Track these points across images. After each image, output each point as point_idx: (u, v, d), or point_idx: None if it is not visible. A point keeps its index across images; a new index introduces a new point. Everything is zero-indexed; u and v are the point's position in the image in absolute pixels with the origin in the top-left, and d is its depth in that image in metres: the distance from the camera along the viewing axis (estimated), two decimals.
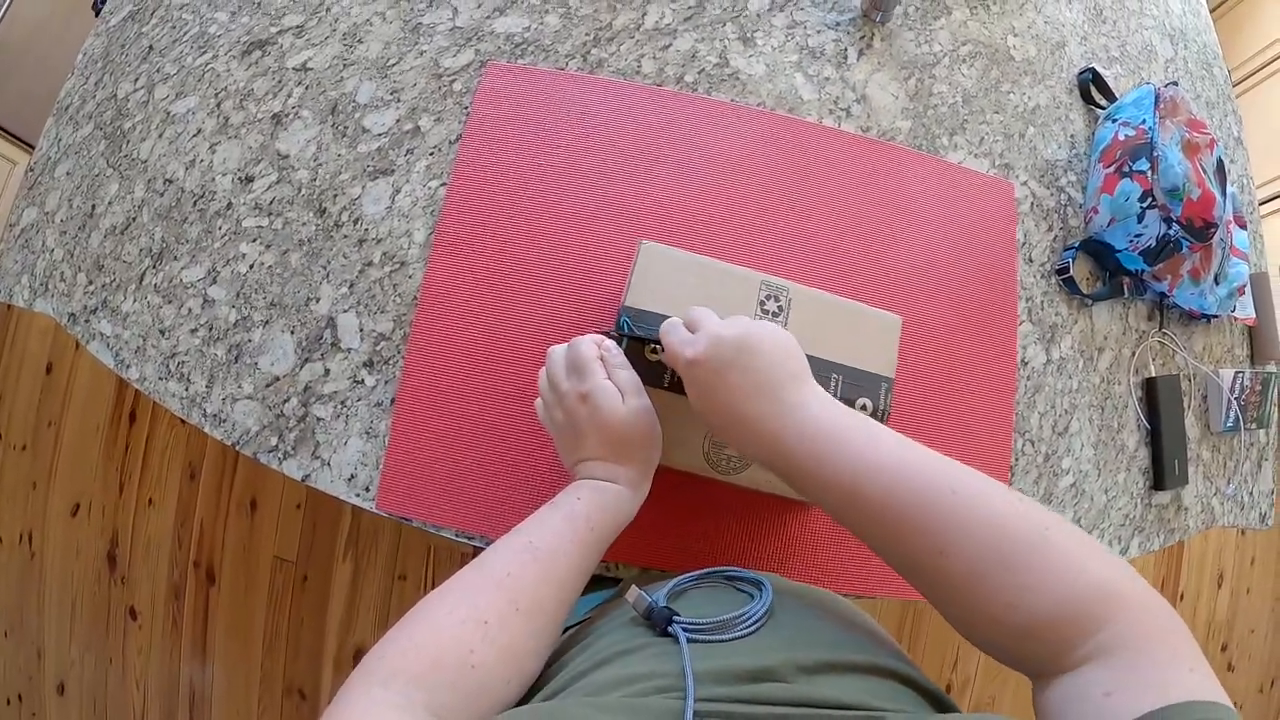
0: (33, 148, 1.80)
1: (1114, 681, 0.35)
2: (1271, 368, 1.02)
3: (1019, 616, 0.38)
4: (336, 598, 1.61)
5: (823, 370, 0.60)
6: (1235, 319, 1.01)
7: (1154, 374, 0.93)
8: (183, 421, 1.69)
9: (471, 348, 0.73)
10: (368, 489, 0.72)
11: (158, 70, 0.92)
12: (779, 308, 0.62)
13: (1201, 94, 1.12)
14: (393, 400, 0.73)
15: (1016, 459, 0.85)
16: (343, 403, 0.74)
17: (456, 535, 0.71)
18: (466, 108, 0.82)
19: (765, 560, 0.73)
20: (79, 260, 0.85)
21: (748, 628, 0.43)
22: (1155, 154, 0.87)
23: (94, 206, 0.87)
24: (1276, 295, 1.02)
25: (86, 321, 0.82)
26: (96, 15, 1.06)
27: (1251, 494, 0.99)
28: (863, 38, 0.95)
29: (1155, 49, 1.11)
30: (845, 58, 0.93)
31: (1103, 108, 1.01)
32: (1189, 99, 0.96)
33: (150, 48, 0.95)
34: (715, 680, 0.37)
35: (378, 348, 0.75)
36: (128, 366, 0.80)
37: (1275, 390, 1.00)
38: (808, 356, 0.52)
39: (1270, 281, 1.03)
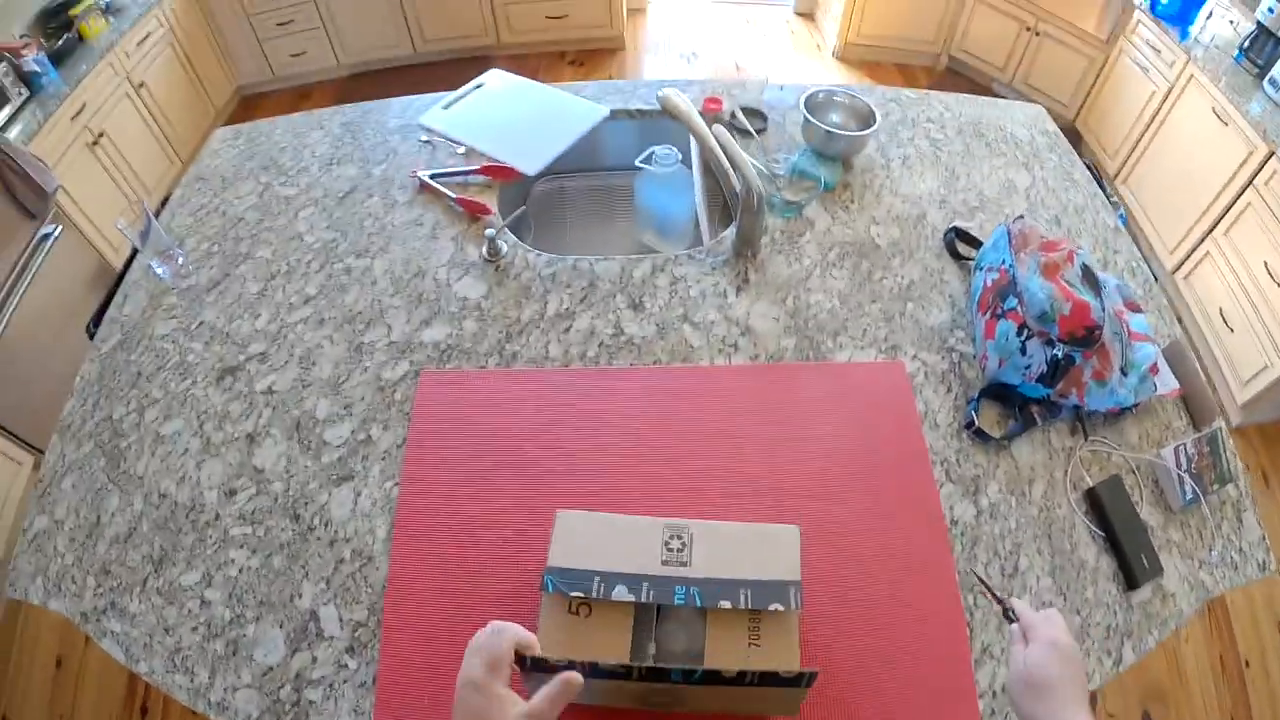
0: (33, 448, 1.96)
1: None
2: (1215, 423, 1.02)
3: None
4: None
5: (730, 589, 0.71)
6: (1162, 397, 1.01)
7: (1091, 484, 0.94)
8: (193, 713, 1.75)
9: (436, 624, 0.86)
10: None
11: (146, 395, 1.10)
12: (682, 544, 0.74)
13: (1068, 203, 1.23)
14: (374, 679, 0.85)
15: (971, 614, 0.87)
16: (330, 685, 0.86)
17: None
18: (407, 413, 1.01)
19: None
20: (88, 565, 0.97)
21: None
22: (1019, 289, 0.93)
23: (99, 517, 1.00)
24: (1202, 345, 1.06)
25: (98, 620, 0.93)
26: (90, 338, 1.24)
27: (1241, 550, 0.97)
28: (738, 274, 1.13)
29: (1014, 182, 1.24)
30: (725, 298, 1.11)
31: (971, 259, 1.09)
32: (1036, 225, 1.03)
33: (138, 374, 1.12)
34: None
35: (356, 634, 0.88)
36: (138, 661, 0.90)
37: (1224, 443, 0.98)
38: (718, 580, 0.67)
39: (1184, 346, 1.05)
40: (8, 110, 1.96)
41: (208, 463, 1.02)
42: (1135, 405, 0.98)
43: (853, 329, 1.08)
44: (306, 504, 0.97)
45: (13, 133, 1.94)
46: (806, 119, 1.21)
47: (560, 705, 0.58)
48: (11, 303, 1.85)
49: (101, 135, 2.29)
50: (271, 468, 1.00)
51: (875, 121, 1.22)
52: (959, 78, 3.29)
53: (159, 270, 1.23)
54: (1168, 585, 0.92)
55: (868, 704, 0.79)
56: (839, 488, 0.92)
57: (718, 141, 1.03)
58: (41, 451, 2.01)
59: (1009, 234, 1.01)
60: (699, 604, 0.70)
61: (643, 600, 0.71)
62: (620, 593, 0.71)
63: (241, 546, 0.95)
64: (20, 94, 2.00)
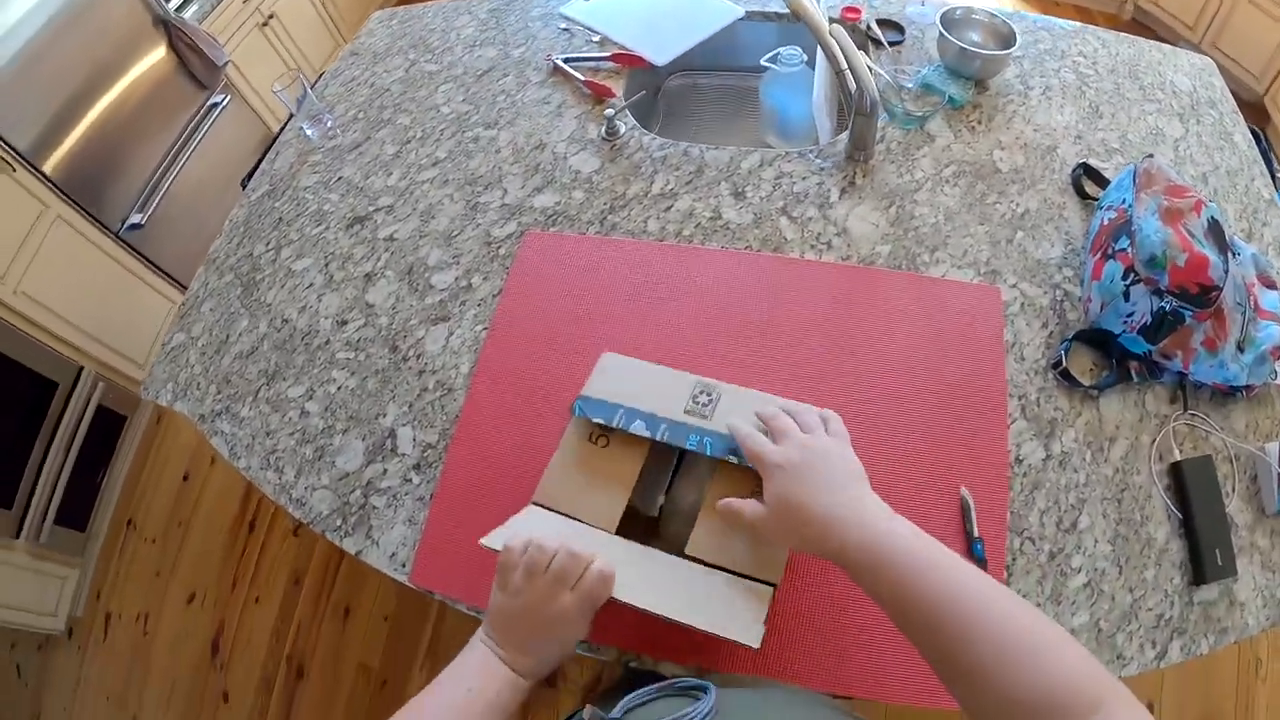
0: (183, 288, 2.20)
1: None
2: None
3: (1016, 696, 0.44)
4: None
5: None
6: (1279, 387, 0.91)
7: (1180, 458, 0.85)
8: (295, 534, 1.93)
9: (498, 458, 0.90)
10: (404, 566, 0.87)
11: (284, 236, 1.20)
12: (709, 400, 0.75)
13: (1221, 164, 1.11)
14: (432, 496, 0.90)
15: (1014, 558, 0.83)
16: (394, 496, 0.92)
17: (467, 609, 0.85)
18: (508, 268, 1.05)
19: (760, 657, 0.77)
20: (212, 375, 1.08)
21: None
22: (1133, 228, 0.86)
23: (227, 335, 1.11)
24: None
25: (212, 421, 1.04)
26: (243, 189, 1.37)
27: None
28: (845, 177, 1.10)
29: (1163, 131, 1.13)
30: (828, 198, 1.08)
31: (1096, 199, 1.02)
32: (1165, 167, 0.94)
33: (280, 219, 1.23)
34: None
35: (425, 454, 0.93)
36: (239, 458, 1.00)
37: None
38: (732, 427, 0.67)
39: None
40: None
41: (327, 296, 1.10)
42: (1248, 388, 0.86)
43: (953, 247, 1.02)
44: (405, 337, 1.02)
45: (189, 12, 2.14)
46: (941, 33, 1.14)
47: (608, 585, 0.61)
48: (180, 162, 2.07)
49: (271, 17, 2.48)
50: (381, 304, 1.06)
51: (1015, 42, 1.13)
52: (1143, 30, 2.94)
53: (309, 132, 1.33)
54: (1238, 592, 0.82)
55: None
56: (901, 393, 0.89)
57: (836, 42, 0.99)
58: None
59: (1135, 172, 0.92)
60: (709, 453, 0.70)
61: (657, 439, 0.72)
62: (638, 427, 0.73)
63: (344, 368, 1.03)
64: None
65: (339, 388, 1.01)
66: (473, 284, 1.05)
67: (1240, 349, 0.85)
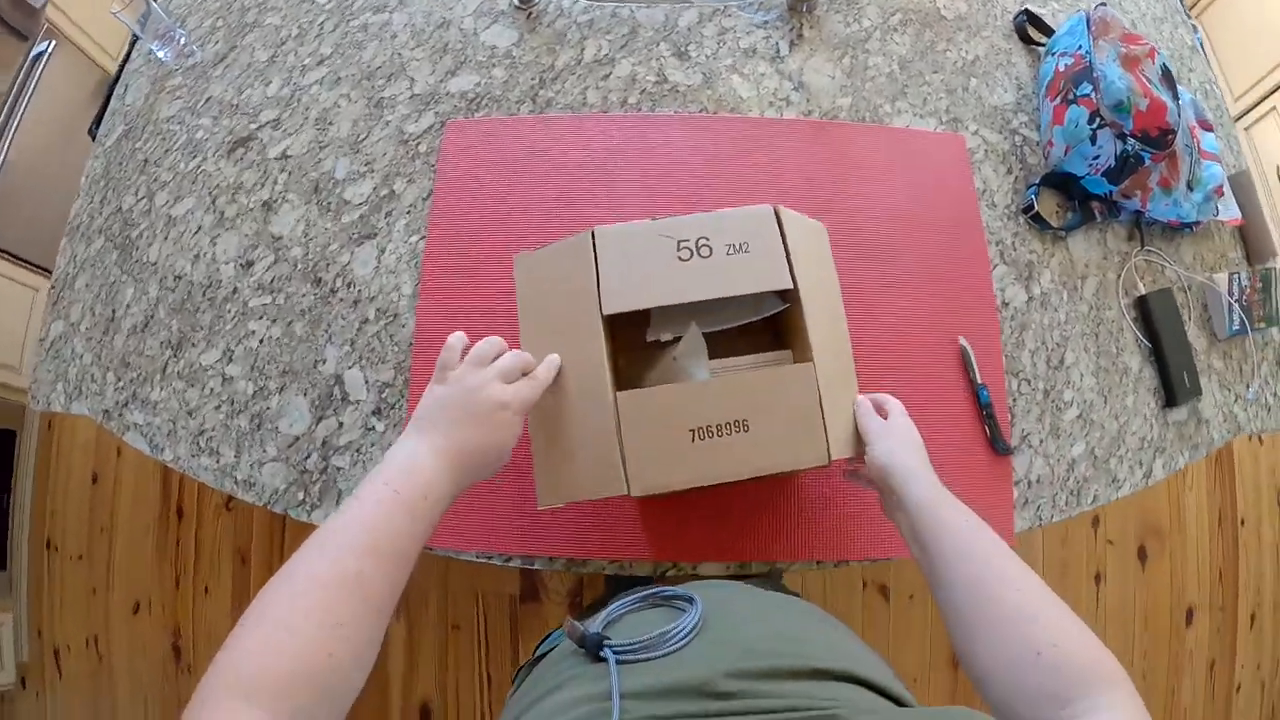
0: (47, 271, 1.92)
1: None
2: (1270, 263, 0.99)
3: (1058, 653, 0.46)
4: (395, 656, 1.65)
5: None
6: (1221, 223, 0.99)
7: (1144, 292, 0.92)
8: (227, 508, 1.76)
9: None
10: None
11: (155, 180, 1.01)
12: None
13: (1147, 12, 1.12)
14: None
15: (1015, 400, 0.85)
16: (358, 450, 0.80)
17: (477, 556, 0.75)
18: (433, 166, 0.89)
19: (767, 538, 0.77)
20: (106, 361, 0.92)
21: (678, 642, 0.44)
22: (1095, 75, 0.88)
23: (114, 311, 0.94)
24: (1262, 191, 1.00)
25: (120, 415, 0.89)
26: (93, 139, 1.15)
27: (1276, 395, 0.97)
28: (792, 29, 1.00)
29: None
30: (778, 52, 0.98)
31: (1042, 45, 1.02)
32: (1119, 15, 0.96)
33: (145, 161, 1.03)
34: (645, 697, 0.39)
35: (383, 395, 0.81)
36: (162, 450, 0.87)
37: (1277, 285, 0.97)
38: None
39: (1254, 178, 1.01)
40: None
41: (223, 237, 0.93)
42: (1195, 224, 0.94)
43: (912, 95, 0.98)
44: (328, 266, 0.87)
45: None
46: None
47: (542, 388, 0.60)
48: (11, 127, 1.77)
49: None
50: (289, 233, 0.90)
51: None
52: None
53: (160, 53, 1.11)
54: (1203, 410, 0.92)
55: None
56: (886, 249, 0.88)
57: None
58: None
59: (1088, 20, 0.93)
60: None
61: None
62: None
63: (261, 317, 0.88)
64: None
65: (261, 340, 0.87)
66: (395, 190, 0.90)
67: (1190, 188, 0.91)
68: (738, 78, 0.96)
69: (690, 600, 0.49)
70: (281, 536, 1.73)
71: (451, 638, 1.66)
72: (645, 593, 0.53)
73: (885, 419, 0.64)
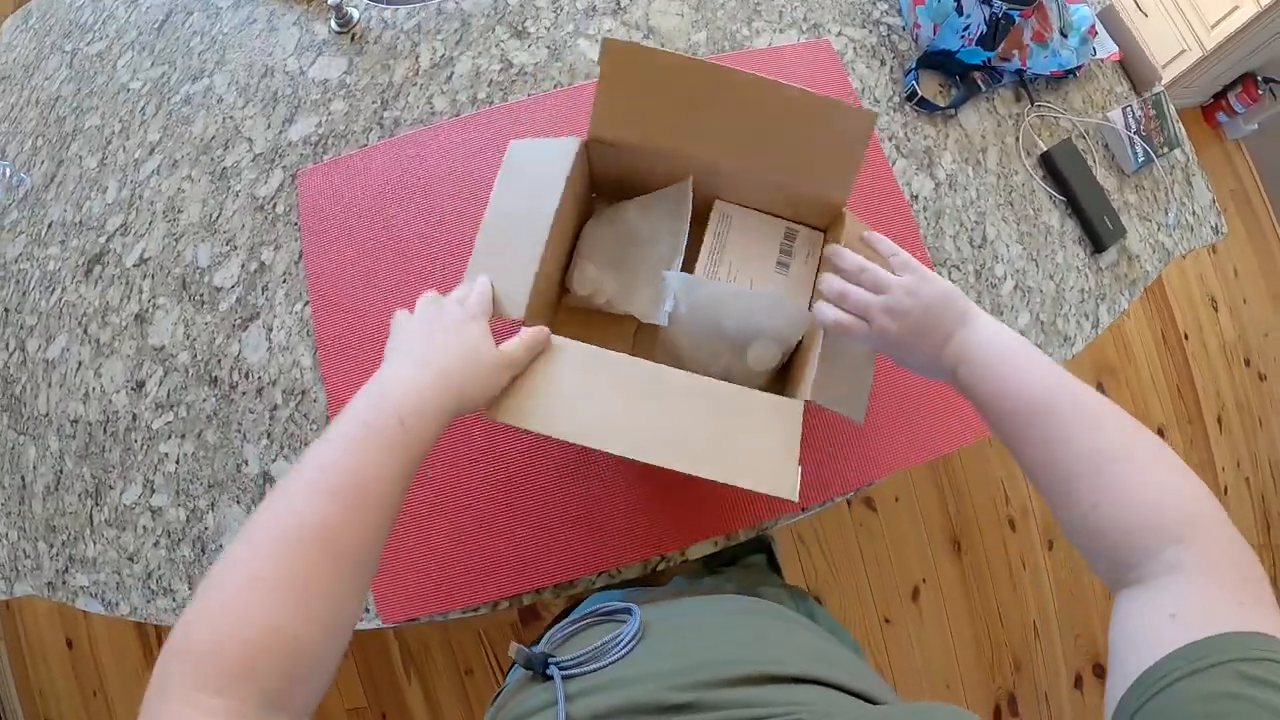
0: None
1: (1180, 604, 0.36)
2: (1156, 88, 1.00)
3: (1101, 516, 0.42)
4: (419, 717, 1.62)
5: None
6: (1101, 61, 0.99)
7: (1045, 148, 0.92)
8: None
9: None
10: (368, 610, 0.72)
11: (21, 327, 0.93)
12: None
13: None
14: None
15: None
16: None
17: (464, 612, 0.70)
18: (296, 223, 0.82)
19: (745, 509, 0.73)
20: (33, 532, 0.85)
21: (620, 650, 0.43)
22: None
23: (23, 477, 0.87)
24: (1130, 20, 1.02)
25: (64, 583, 0.83)
26: None
27: (1194, 213, 0.98)
28: None
29: None
30: (618, 3, 0.93)
31: None
32: None
33: (4, 310, 0.95)
34: (594, 711, 0.38)
35: None
36: (116, 605, 0.80)
37: (1168, 107, 0.98)
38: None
39: (1119, 11, 1.02)
40: None
41: (105, 365, 0.86)
42: (1078, 69, 0.95)
43: (766, 12, 0.94)
44: (219, 362, 0.81)
45: None
46: None
47: (534, 354, 0.55)
48: None
49: None
50: (171, 340, 0.83)
51: None
52: None
53: None
54: (1131, 247, 0.92)
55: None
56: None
57: None
58: None
59: None
60: None
61: None
62: None
63: (169, 437, 0.81)
64: None
65: (176, 461, 0.80)
66: (264, 261, 0.83)
67: (1064, 35, 0.91)
68: (584, 41, 0.90)
69: (629, 612, 0.47)
70: None
71: (468, 682, 1.62)
72: (585, 611, 0.51)
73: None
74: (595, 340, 0.57)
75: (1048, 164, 0.91)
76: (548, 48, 0.90)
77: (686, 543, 0.74)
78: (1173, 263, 0.95)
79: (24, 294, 0.94)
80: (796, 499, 0.52)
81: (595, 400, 0.54)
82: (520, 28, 0.91)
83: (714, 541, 0.74)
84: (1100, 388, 1.81)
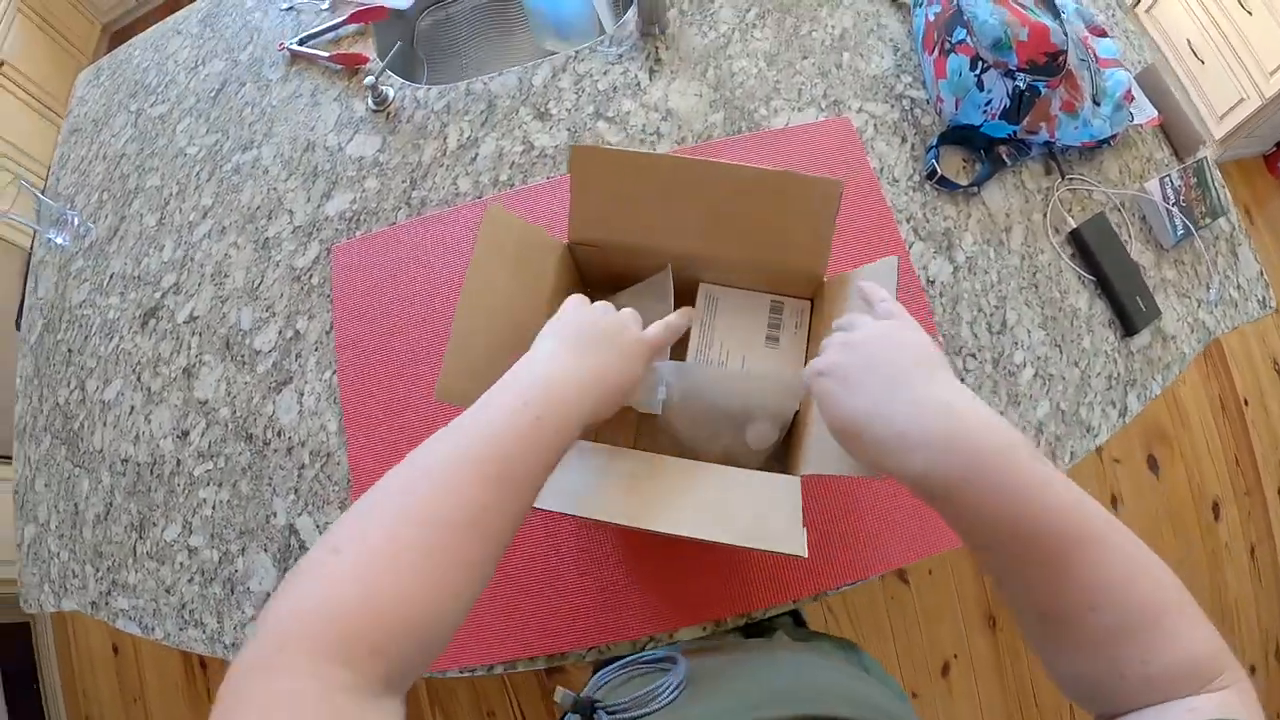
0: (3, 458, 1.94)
1: None
2: (1200, 152, 0.94)
3: (1149, 670, 0.37)
4: None
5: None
6: (1140, 126, 0.93)
7: (1075, 224, 0.87)
8: None
9: None
10: None
11: (82, 368, 1.02)
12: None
13: None
14: None
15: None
16: None
17: (461, 672, 0.75)
18: (329, 295, 0.89)
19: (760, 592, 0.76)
20: (81, 555, 0.93)
21: (666, 698, 0.44)
22: (965, 18, 0.84)
23: (76, 505, 0.95)
24: (1180, 74, 0.97)
25: (106, 604, 0.90)
26: (18, 329, 1.17)
27: (1239, 286, 0.92)
28: (648, 57, 0.98)
29: None
30: (639, 85, 0.97)
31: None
32: None
33: (70, 351, 1.04)
34: None
35: None
36: (152, 630, 0.88)
37: (1212, 172, 0.91)
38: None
39: (1161, 71, 0.95)
40: None
41: (155, 412, 0.94)
42: (1112, 137, 0.90)
43: (786, 91, 0.95)
44: (255, 420, 0.88)
45: None
46: None
47: (675, 335, 0.58)
48: None
49: None
50: (213, 395, 0.91)
51: None
52: None
53: (58, 240, 1.12)
54: (1167, 327, 0.87)
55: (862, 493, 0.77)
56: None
57: None
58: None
59: None
60: None
61: None
62: None
63: (208, 484, 0.88)
64: None
65: (213, 507, 0.87)
66: (299, 330, 0.90)
67: (1096, 103, 0.87)
68: (603, 123, 0.95)
69: (674, 660, 0.49)
70: None
71: None
72: (630, 659, 0.53)
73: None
74: (600, 431, 0.61)
75: (1077, 241, 0.86)
76: (568, 129, 0.94)
77: (719, 616, 0.75)
78: (1240, 326, 0.90)
79: (86, 338, 1.03)
80: (806, 554, 0.50)
81: (605, 483, 0.55)
82: (543, 109, 0.96)
83: (702, 627, 0.75)
84: (1151, 458, 1.78)
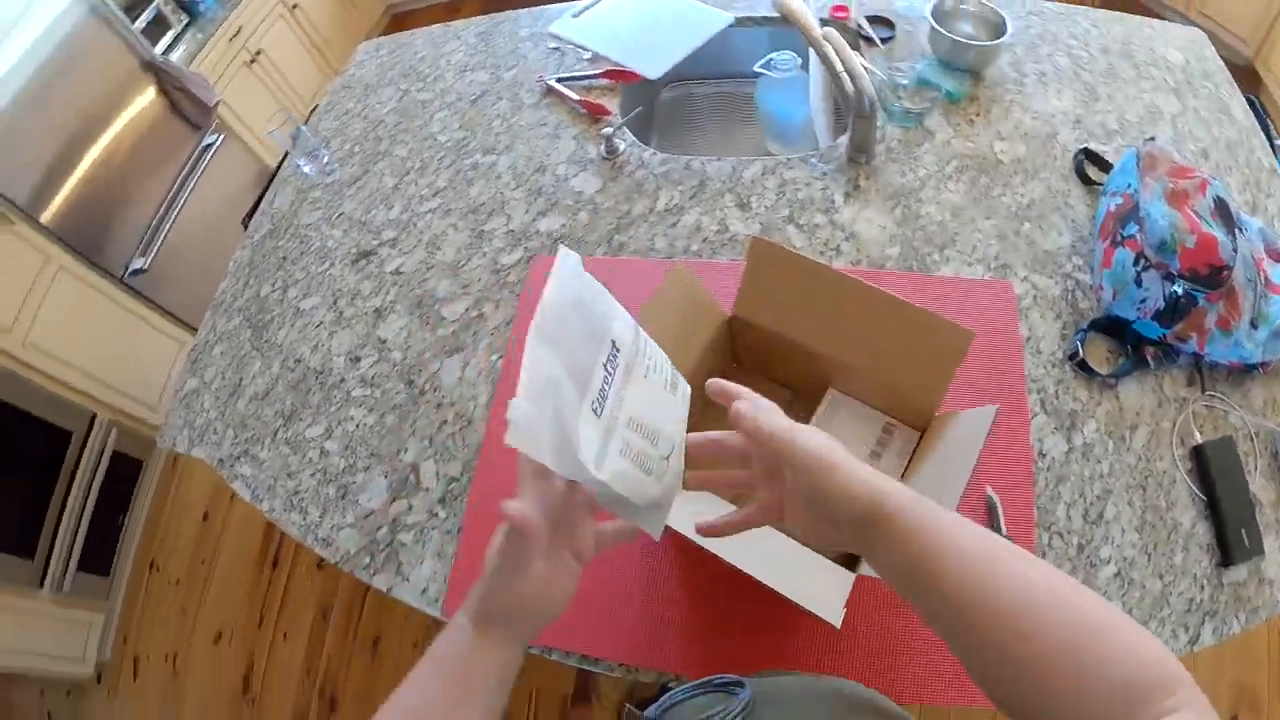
0: (193, 330, 2.20)
1: None
2: None
3: (1089, 690, 0.37)
4: None
5: None
6: None
7: (1201, 441, 0.84)
8: (319, 567, 1.92)
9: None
10: (436, 601, 0.87)
11: (289, 276, 1.20)
12: None
13: (1220, 137, 1.11)
14: (459, 529, 0.90)
15: (1043, 553, 0.82)
16: (421, 531, 0.92)
17: (541, 651, 0.82)
18: (518, 295, 1.05)
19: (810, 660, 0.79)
20: (228, 419, 1.08)
21: None
22: (1140, 214, 0.86)
23: (241, 379, 1.11)
24: None
25: (232, 466, 1.04)
26: (244, 229, 1.38)
27: None
28: (849, 181, 1.09)
29: (1160, 108, 1.13)
30: (833, 203, 1.08)
31: (1100, 184, 1.01)
32: (1169, 149, 0.95)
33: (284, 258, 1.23)
34: None
35: (450, 488, 0.93)
36: (261, 500, 1.00)
37: None
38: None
39: None
40: (170, 35, 2.15)
41: (338, 333, 1.10)
42: (1263, 364, 0.86)
43: (962, 244, 1.01)
44: (420, 371, 1.03)
45: (175, 55, 2.14)
46: (933, 27, 1.13)
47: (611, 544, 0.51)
48: (178, 204, 2.07)
49: (259, 54, 2.47)
50: (393, 339, 1.07)
51: (1006, 31, 1.12)
52: (1128, 3, 2.91)
53: (305, 168, 1.33)
54: (1267, 570, 0.81)
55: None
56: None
57: (830, 45, 0.98)
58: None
59: (1138, 156, 0.92)
60: None
61: None
62: None
63: (360, 406, 1.03)
64: (180, 20, 2.19)
65: (357, 425, 1.02)
66: (484, 313, 1.05)
67: (1254, 326, 0.84)
68: (793, 228, 1.06)
69: (741, 685, 0.50)
70: (363, 602, 1.86)
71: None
72: (699, 681, 0.54)
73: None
74: None
75: (1199, 458, 0.84)
76: (761, 224, 1.07)
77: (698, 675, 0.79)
78: None
79: (302, 253, 1.22)
80: (839, 625, 0.56)
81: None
82: (745, 200, 1.10)
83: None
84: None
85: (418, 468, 0.96)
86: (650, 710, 0.51)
